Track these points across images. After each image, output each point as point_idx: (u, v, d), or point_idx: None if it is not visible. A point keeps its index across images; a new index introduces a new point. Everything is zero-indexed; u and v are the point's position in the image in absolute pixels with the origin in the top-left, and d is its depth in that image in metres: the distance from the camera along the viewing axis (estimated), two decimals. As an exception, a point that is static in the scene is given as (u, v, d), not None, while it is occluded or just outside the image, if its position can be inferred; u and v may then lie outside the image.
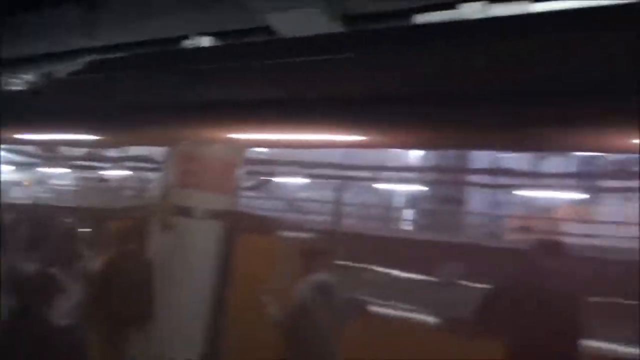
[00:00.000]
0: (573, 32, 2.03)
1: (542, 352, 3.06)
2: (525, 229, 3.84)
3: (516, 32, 2.15)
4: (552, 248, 3.54)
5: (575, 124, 2.31)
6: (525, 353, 3.05)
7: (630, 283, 2.94)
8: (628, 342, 3.32)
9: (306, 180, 9.84)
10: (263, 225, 4.91)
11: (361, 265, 5.48)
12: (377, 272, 5.67)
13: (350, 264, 5.18)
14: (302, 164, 7.62)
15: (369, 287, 5.26)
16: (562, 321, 3.09)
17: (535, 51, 2.31)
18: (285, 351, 3.61)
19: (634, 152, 2.22)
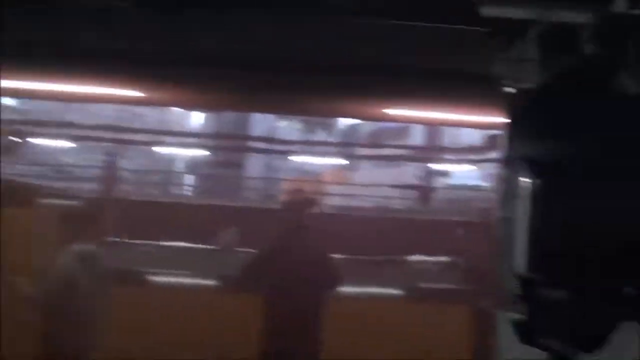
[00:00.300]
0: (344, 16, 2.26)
1: (308, 299, 3.38)
2: (296, 192, 4.15)
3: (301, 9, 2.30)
4: (316, 208, 3.90)
5: (338, 95, 2.57)
6: (294, 303, 3.31)
7: (382, 235, 3.45)
8: (381, 287, 3.93)
9: (70, 142, 8.65)
10: (17, 193, 4.18)
11: (134, 233, 5.12)
12: (151, 239, 5.39)
13: (123, 232, 4.80)
14: (66, 123, 6.71)
15: (141, 255, 4.95)
16: (325, 271, 3.46)
17: (308, 29, 2.48)
18: (46, 328, 3.22)
19: (386, 122, 2.62)
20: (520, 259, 2.42)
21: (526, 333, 1.78)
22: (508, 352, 1.55)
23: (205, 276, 4.57)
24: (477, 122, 1.71)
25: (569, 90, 2.26)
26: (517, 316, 2.01)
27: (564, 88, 2.40)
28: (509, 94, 2.16)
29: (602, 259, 2.06)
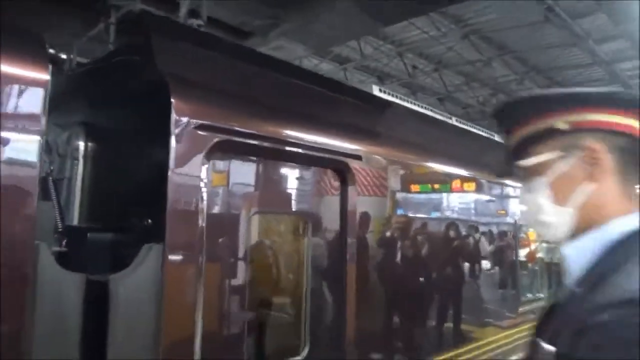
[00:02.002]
0: None
1: None
2: None
3: None
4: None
5: None
6: None
7: None
8: None
9: None
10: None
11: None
12: None
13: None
14: None
15: None
16: None
17: None
18: None
19: None
20: (73, 211, 2.75)
21: (65, 261, 2.11)
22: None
23: None
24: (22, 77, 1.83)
25: (119, 67, 2.71)
26: (58, 248, 2.34)
27: (109, 65, 2.85)
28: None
29: (129, 202, 2.62)
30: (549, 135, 1.13)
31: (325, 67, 12.43)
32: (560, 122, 1.12)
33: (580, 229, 1.12)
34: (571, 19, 9.60)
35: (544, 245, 8.09)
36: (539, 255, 7.52)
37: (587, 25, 9.98)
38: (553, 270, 7.98)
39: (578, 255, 1.10)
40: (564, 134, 1.12)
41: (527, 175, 1.19)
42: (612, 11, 9.47)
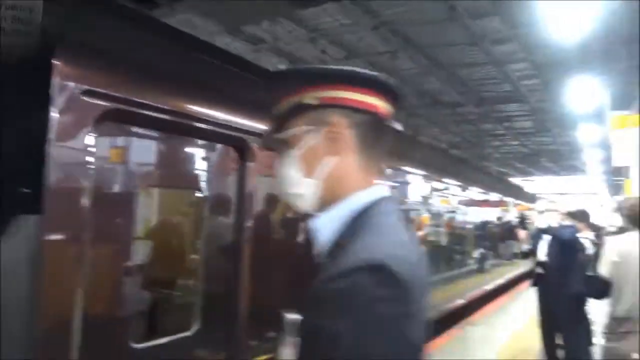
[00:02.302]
0: None
1: None
2: None
3: None
4: None
5: None
6: None
7: None
8: None
9: None
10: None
11: None
12: None
13: None
14: None
15: None
16: None
17: None
18: None
19: None
20: None
21: None
22: None
23: None
24: None
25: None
26: None
27: None
28: None
29: (4, 170, 2.44)
30: (301, 109, 1.19)
31: (238, 46, 12.21)
32: (310, 98, 1.18)
33: (327, 202, 1.19)
34: (471, 19, 10.19)
35: (434, 229, 8.66)
36: (429, 238, 8.08)
37: (484, 26, 10.64)
38: (441, 252, 8.55)
39: (325, 228, 1.17)
40: (313, 108, 1.18)
41: (283, 148, 1.24)
42: (506, 15, 10.20)
